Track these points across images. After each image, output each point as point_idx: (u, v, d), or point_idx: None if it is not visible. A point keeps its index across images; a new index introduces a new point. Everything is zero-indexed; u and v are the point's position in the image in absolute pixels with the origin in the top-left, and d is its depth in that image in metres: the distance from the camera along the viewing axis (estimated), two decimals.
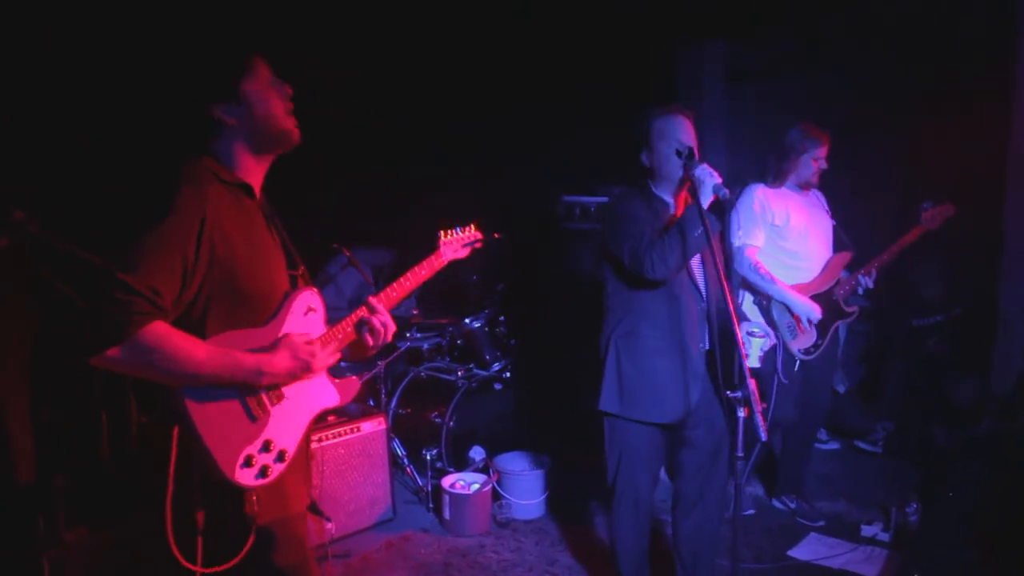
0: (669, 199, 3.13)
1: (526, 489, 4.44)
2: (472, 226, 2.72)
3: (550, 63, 5.85)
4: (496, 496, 4.39)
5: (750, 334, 3.08)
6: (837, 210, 4.32)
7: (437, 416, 4.66)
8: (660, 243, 2.87)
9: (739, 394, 2.47)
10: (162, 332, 1.71)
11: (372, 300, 2.17)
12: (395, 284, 2.36)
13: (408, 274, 2.42)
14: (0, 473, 3.21)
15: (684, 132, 3.01)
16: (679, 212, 3.09)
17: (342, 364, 4.27)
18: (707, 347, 3.10)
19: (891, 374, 5.54)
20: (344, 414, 4.28)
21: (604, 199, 5.63)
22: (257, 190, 2.04)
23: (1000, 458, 3.91)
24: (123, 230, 1.77)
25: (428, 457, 4.54)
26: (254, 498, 1.85)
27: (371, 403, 4.86)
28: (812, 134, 4.05)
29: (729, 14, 5.22)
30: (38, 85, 3.62)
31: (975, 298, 5.19)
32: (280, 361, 1.88)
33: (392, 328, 2.18)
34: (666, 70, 5.80)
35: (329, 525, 3.95)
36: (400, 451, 4.77)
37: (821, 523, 4.29)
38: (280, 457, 1.91)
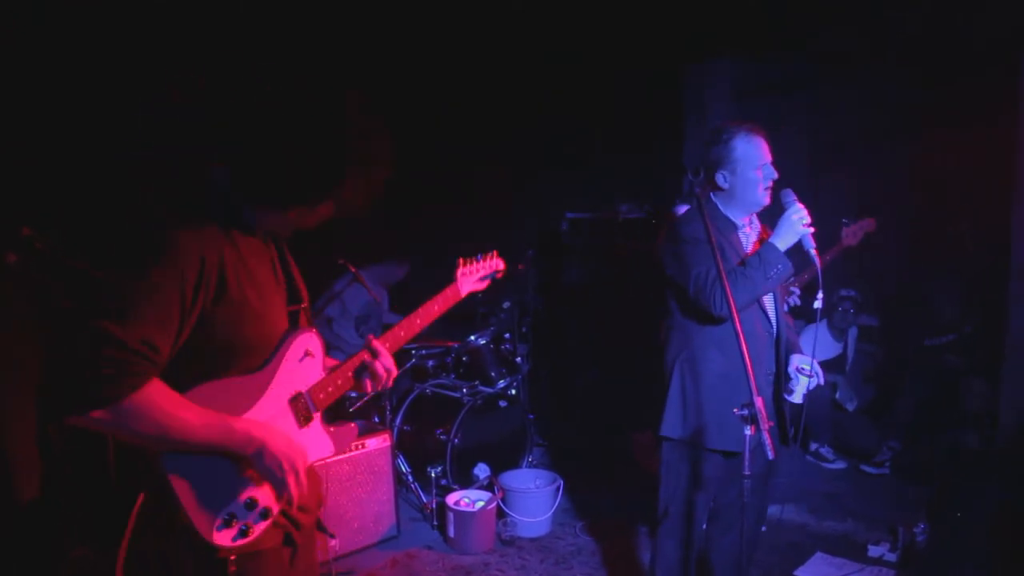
0: (738, 220, 2.99)
1: (531, 507, 4.42)
2: (493, 254, 2.50)
3: (554, 81, 5.88)
4: (501, 514, 4.38)
5: (799, 370, 2.96)
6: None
7: (442, 433, 4.65)
8: (731, 279, 2.69)
9: (745, 412, 2.44)
10: (154, 396, 1.54)
11: (375, 343, 1.97)
12: (404, 322, 2.12)
13: (420, 310, 2.19)
14: (6, 490, 3.21)
15: (767, 155, 2.88)
16: (753, 245, 2.98)
17: (352, 394, 4.22)
18: (773, 371, 3.03)
19: (902, 393, 5.50)
20: None
21: (606, 215, 5.66)
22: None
23: (1010, 477, 3.89)
24: (115, 275, 1.60)
25: (433, 474, 4.54)
26: (232, 557, 1.70)
27: (376, 420, 4.85)
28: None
29: (734, 32, 5.23)
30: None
31: (987, 316, 5.15)
32: (274, 440, 1.71)
33: (394, 373, 1.99)
34: (671, 88, 5.82)
35: (333, 542, 3.94)
36: (405, 468, 4.76)
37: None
38: (264, 515, 1.76)
